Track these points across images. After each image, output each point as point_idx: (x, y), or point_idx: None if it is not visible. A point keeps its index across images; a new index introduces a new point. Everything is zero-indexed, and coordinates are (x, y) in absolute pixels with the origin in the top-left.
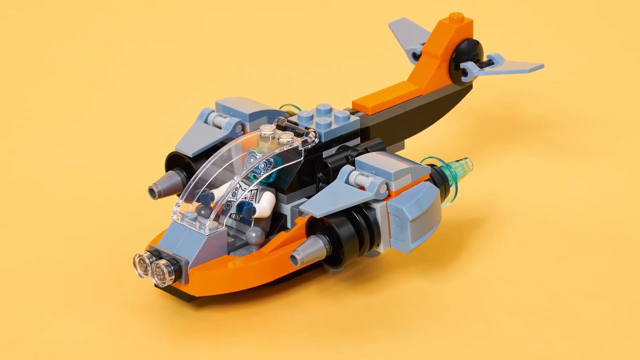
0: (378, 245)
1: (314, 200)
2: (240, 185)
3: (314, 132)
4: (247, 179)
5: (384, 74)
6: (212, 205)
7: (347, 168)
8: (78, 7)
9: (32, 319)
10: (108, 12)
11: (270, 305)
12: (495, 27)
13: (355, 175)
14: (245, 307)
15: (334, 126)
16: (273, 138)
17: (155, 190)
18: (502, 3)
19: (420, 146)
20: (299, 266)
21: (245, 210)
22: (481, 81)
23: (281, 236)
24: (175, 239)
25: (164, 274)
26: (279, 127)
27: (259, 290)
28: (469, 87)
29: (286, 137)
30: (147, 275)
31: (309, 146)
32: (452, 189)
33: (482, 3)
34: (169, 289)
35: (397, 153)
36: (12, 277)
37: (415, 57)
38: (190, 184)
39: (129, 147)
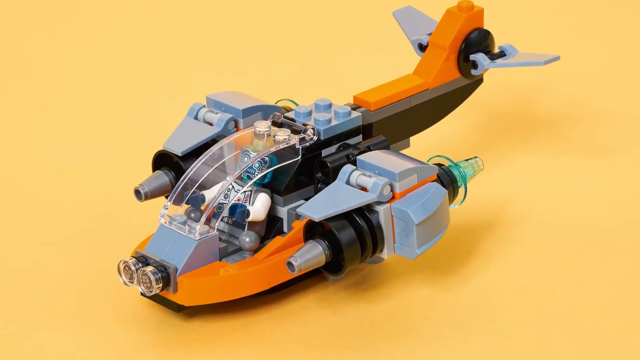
0: (381, 250)
1: (312, 203)
2: (233, 187)
3: (312, 129)
4: (241, 179)
5: (387, 67)
6: (202, 207)
7: (347, 168)
8: None
9: (9, 330)
10: (95, 2)
11: (265, 315)
12: (508, 16)
13: (357, 176)
14: (238, 317)
15: (333, 122)
16: (268, 135)
17: (142, 191)
18: None
19: (427, 144)
20: (296, 273)
21: (238, 213)
22: (492, 74)
23: (277, 241)
24: (163, 244)
25: (150, 281)
26: (274, 123)
27: (253, 300)
28: (479, 81)
29: (282, 134)
30: (132, 283)
31: (307, 144)
32: (461, 190)
33: None
34: (157, 298)
35: (401, 151)
36: None
37: (422, 48)
38: (179, 185)
39: (114, 145)
